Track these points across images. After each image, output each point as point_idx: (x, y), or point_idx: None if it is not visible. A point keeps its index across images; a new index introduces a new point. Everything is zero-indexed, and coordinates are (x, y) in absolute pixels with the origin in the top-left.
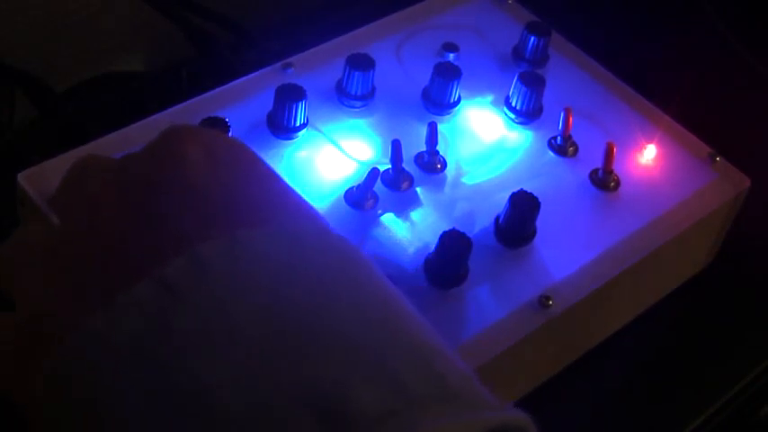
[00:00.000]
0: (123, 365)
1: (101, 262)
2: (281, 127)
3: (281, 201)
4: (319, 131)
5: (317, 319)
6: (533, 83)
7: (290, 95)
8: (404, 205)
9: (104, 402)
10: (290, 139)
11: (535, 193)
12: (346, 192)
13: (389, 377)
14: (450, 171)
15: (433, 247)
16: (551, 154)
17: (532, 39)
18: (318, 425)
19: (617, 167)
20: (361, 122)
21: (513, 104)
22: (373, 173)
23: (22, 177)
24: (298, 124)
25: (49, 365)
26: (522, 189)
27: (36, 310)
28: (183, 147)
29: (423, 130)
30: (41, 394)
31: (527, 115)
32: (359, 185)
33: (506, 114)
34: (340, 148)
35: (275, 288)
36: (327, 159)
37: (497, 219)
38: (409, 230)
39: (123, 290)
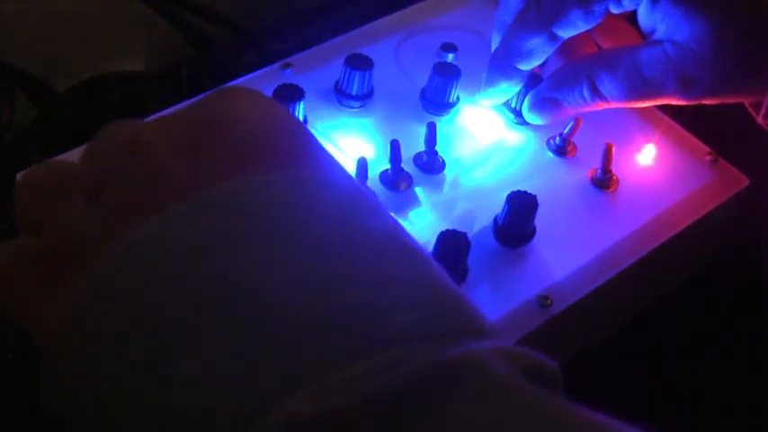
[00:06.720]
0: (178, 271)
1: (145, 186)
2: None
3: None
4: (318, 131)
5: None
6: (532, 84)
7: (288, 95)
8: (403, 205)
9: (150, 317)
10: None
11: (534, 194)
12: None
13: (432, 308)
14: (449, 171)
15: (431, 246)
16: (550, 154)
17: None
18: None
19: (616, 168)
20: (360, 122)
21: (513, 105)
22: (361, 163)
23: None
24: None
25: (86, 282)
26: (519, 189)
27: (72, 230)
28: (229, 101)
29: (421, 131)
30: (69, 320)
31: None
32: None
33: (505, 115)
34: (338, 148)
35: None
36: None
37: (496, 219)
38: (408, 230)
39: (176, 206)
